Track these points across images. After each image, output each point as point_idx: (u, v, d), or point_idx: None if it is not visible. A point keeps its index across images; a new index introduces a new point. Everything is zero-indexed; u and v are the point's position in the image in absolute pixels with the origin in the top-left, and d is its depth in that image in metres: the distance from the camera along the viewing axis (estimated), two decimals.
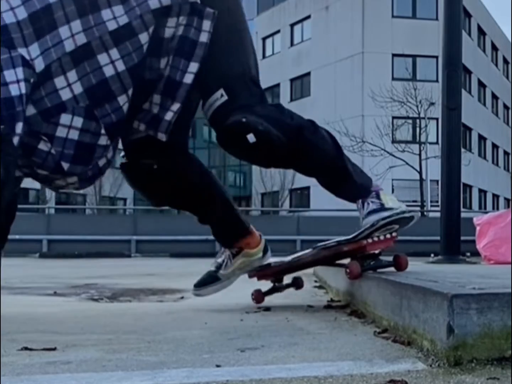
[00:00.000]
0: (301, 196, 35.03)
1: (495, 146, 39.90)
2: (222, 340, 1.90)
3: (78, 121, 2.15)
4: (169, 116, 2.34)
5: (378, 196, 2.72)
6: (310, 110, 33.79)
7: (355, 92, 31.37)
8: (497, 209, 36.02)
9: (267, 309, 2.66)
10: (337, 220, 17.24)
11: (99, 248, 14.43)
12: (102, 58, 2.13)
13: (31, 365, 1.54)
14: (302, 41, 35.89)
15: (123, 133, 2.43)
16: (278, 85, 37.23)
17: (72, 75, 2.11)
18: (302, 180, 33.61)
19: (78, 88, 2.12)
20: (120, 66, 2.16)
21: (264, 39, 38.92)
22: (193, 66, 2.28)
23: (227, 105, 2.34)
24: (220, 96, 2.34)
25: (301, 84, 35.67)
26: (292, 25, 36.78)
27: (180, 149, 2.66)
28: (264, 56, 38.91)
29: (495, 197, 39.42)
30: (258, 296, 2.89)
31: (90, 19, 2.11)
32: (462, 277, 2.21)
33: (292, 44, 36.81)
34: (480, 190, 36.63)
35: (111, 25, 2.13)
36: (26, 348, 1.74)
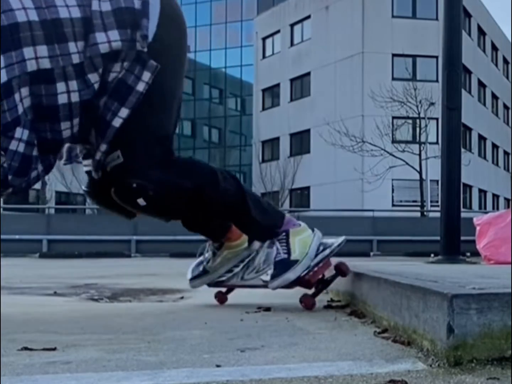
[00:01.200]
0: (301, 196, 35.03)
1: (495, 146, 39.89)
2: (222, 340, 1.90)
3: (25, 134, 2.21)
4: (97, 156, 2.41)
5: (287, 239, 2.70)
6: (310, 110, 33.90)
7: (355, 92, 31.37)
8: (497, 209, 36.02)
9: (267, 309, 2.66)
10: (337, 220, 17.24)
11: (99, 248, 14.43)
12: (60, 86, 2.19)
13: (31, 365, 1.53)
14: (302, 41, 35.87)
15: (55, 155, 2.43)
16: (278, 85, 37.22)
17: (25, 90, 2.16)
18: (302, 180, 33.64)
19: (27, 102, 2.18)
20: (75, 98, 2.22)
21: (264, 39, 38.90)
22: (123, 112, 2.33)
23: (123, 166, 2.40)
24: (116, 157, 2.41)
25: (301, 84, 35.66)
26: (292, 25, 36.77)
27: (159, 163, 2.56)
28: (264, 56, 38.91)
29: (495, 197, 39.41)
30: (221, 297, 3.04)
31: (56, 48, 2.16)
32: (462, 277, 2.21)
33: (292, 44, 36.79)
34: (480, 190, 36.62)
35: (76, 58, 2.19)
36: (26, 348, 1.74)
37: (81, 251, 13.98)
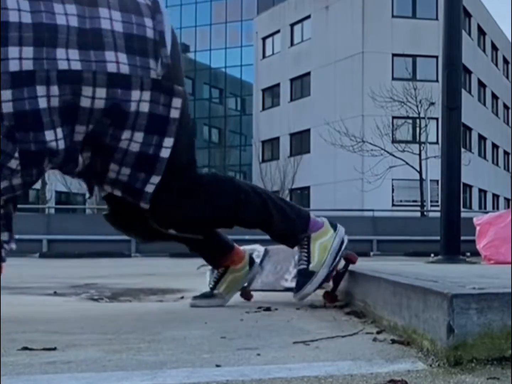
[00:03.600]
0: (301, 196, 35.02)
1: (495, 146, 39.89)
2: (222, 340, 1.90)
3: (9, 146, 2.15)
4: (150, 188, 2.43)
5: (308, 245, 2.75)
6: (310, 110, 33.90)
7: (355, 92, 31.36)
8: (497, 209, 36.02)
9: (267, 309, 2.66)
10: (337, 220, 17.13)
11: (99, 248, 14.41)
12: (41, 90, 2.13)
13: (31, 365, 1.53)
14: (302, 41, 35.87)
15: (42, 169, 2.34)
16: (278, 85, 37.22)
17: (7, 94, 2.10)
18: (302, 180, 33.64)
19: (8, 108, 2.12)
20: (54, 103, 2.15)
21: (264, 39, 38.90)
22: (168, 141, 2.36)
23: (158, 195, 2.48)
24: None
25: (301, 84, 35.65)
26: (292, 25, 36.76)
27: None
28: (264, 56, 38.90)
29: (495, 197, 39.41)
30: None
31: (43, 51, 2.12)
32: (462, 277, 2.21)
33: (292, 44, 36.78)
34: (480, 190, 36.62)
35: (62, 65, 2.14)
36: (26, 348, 1.74)
37: (81, 251, 13.96)
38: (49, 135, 2.17)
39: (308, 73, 34.88)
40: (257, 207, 2.71)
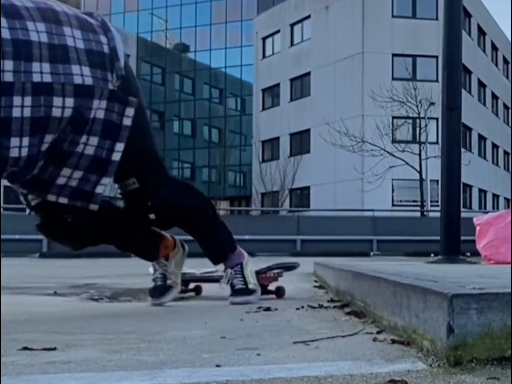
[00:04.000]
0: (301, 196, 35.02)
1: (495, 146, 39.88)
2: (222, 340, 1.90)
3: None
4: (100, 189, 2.65)
5: (241, 271, 3.17)
6: (310, 110, 33.89)
7: (355, 92, 31.35)
8: (497, 209, 36.01)
9: (267, 309, 2.67)
10: (337, 220, 17.23)
11: (99, 248, 14.37)
12: (17, 100, 2.29)
13: (31, 365, 1.53)
14: (302, 41, 35.86)
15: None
16: (278, 85, 37.21)
17: None
18: (302, 180, 33.63)
19: None
20: (27, 113, 2.32)
21: (264, 39, 38.89)
22: (119, 146, 2.59)
23: (138, 190, 2.84)
24: (132, 183, 2.84)
25: (301, 84, 35.64)
26: (292, 25, 36.75)
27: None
28: (264, 56, 38.89)
29: (495, 197, 39.40)
30: None
31: (21, 65, 2.29)
32: (462, 277, 2.22)
33: (292, 44, 36.78)
34: (480, 190, 36.61)
35: (36, 77, 2.31)
36: (26, 348, 1.74)
37: (81, 251, 13.93)
38: (14, 142, 2.33)
39: (308, 73, 34.87)
40: (212, 212, 3.13)
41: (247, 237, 13.64)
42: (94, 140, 2.52)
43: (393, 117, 29.36)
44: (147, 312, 2.74)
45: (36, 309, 2.89)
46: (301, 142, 35.05)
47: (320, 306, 2.76)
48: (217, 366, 1.51)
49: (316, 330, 2.07)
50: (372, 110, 29.37)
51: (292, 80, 36.38)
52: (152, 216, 2.89)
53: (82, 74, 2.41)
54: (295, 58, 35.79)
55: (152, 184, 2.84)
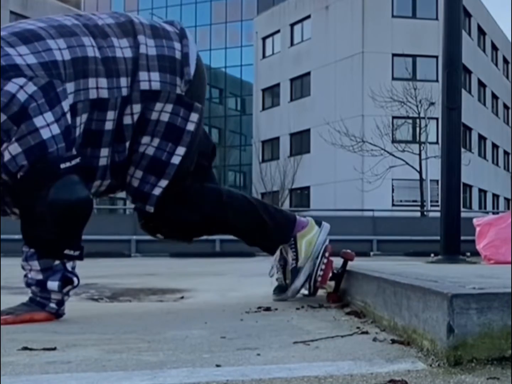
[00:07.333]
0: (301, 196, 35.02)
1: (495, 146, 39.87)
2: (222, 340, 1.90)
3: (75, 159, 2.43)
4: (157, 191, 2.67)
5: (295, 244, 2.95)
6: (310, 110, 33.89)
7: (355, 92, 31.35)
8: (497, 209, 36.02)
9: (267, 309, 2.66)
10: (337, 220, 17.18)
11: (99, 248, 14.40)
12: (110, 114, 2.47)
13: (31, 365, 1.53)
14: (302, 41, 35.85)
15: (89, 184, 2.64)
16: (278, 85, 37.21)
17: (85, 116, 2.43)
18: (302, 180, 33.63)
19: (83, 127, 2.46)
20: (110, 125, 2.49)
21: (264, 39, 38.87)
22: (180, 150, 2.63)
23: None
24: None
25: (301, 84, 35.63)
26: (292, 25, 36.74)
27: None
28: (264, 56, 38.88)
29: (495, 197, 39.39)
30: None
31: (113, 81, 2.46)
32: (462, 277, 2.22)
33: (292, 44, 36.76)
34: (480, 190, 36.61)
35: (124, 92, 2.49)
36: (26, 348, 1.74)
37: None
38: (103, 152, 2.52)
39: (308, 73, 34.86)
40: (246, 212, 2.90)
41: None
42: (156, 141, 2.60)
43: (393, 117, 29.35)
44: (147, 312, 2.74)
45: None
46: (301, 142, 35.04)
47: (320, 306, 2.76)
48: (217, 366, 1.51)
49: (316, 330, 2.07)
50: (372, 110, 29.36)
51: (292, 80, 36.37)
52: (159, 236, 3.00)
53: (150, 80, 2.52)
54: (295, 58, 35.78)
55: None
